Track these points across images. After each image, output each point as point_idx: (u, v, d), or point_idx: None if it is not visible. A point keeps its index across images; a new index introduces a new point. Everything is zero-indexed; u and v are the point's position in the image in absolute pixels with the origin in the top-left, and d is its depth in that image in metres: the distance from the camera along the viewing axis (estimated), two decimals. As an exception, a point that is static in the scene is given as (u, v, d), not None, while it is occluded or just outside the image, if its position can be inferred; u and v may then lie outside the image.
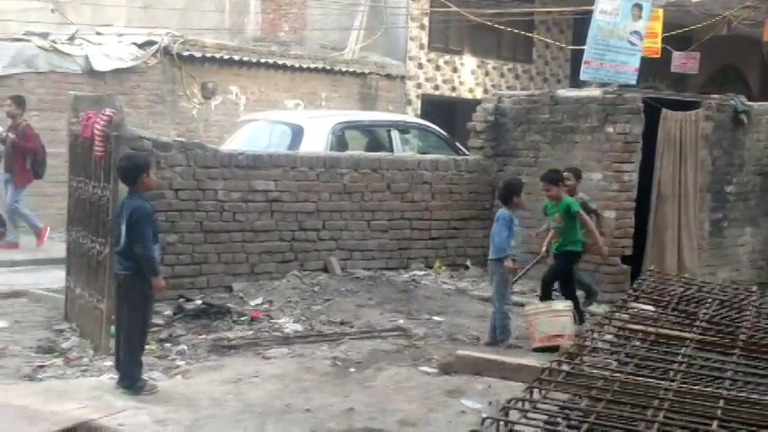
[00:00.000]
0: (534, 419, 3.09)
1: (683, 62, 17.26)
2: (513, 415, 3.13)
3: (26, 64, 13.14)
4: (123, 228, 5.62)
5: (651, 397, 3.29)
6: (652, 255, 9.34)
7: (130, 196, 5.73)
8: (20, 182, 11.50)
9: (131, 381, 5.58)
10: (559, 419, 3.10)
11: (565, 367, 3.63)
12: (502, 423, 2.92)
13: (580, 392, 3.34)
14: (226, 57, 15.01)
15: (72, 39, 14.14)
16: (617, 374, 3.54)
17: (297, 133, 10.07)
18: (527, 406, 3.16)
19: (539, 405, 3.19)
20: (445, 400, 5.60)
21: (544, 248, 8.28)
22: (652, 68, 17.90)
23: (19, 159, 11.45)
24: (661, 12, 15.07)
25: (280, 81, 15.75)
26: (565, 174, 8.26)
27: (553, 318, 6.98)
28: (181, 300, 7.81)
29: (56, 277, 8.82)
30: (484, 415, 3.36)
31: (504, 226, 7.26)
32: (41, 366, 6.51)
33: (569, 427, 3.01)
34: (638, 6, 10.64)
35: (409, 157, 9.85)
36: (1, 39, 13.96)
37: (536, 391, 3.34)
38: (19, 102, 11.64)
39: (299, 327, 7.36)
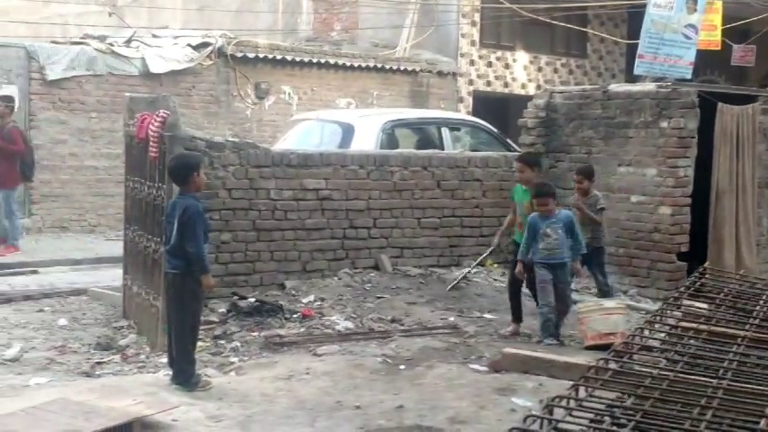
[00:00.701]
0: (580, 417, 3.07)
1: (742, 55, 16.93)
2: (559, 413, 3.12)
3: (85, 66, 13.47)
4: (174, 227, 5.72)
5: (700, 395, 3.25)
6: (712, 251, 9.18)
7: (181, 196, 5.82)
8: (7, 184, 11.33)
9: (185, 377, 5.69)
10: (606, 417, 3.08)
11: (612, 365, 3.60)
12: (546, 421, 2.91)
13: (627, 391, 3.30)
14: (279, 57, 15.17)
15: (129, 41, 14.45)
16: (665, 373, 3.49)
17: (347, 132, 10.14)
18: (572, 404, 3.14)
19: (584, 403, 3.17)
20: (496, 399, 5.58)
21: (496, 239, 8.02)
22: (712, 61, 17.56)
23: (3, 162, 11.27)
24: (720, 4, 14.77)
25: (332, 80, 15.86)
26: (576, 177, 8.02)
27: (605, 316, 6.90)
28: (234, 297, 7.91)
29: (116, 275, 9.03)
30: (533, 412, 3.35)
31: (526, 230, 7.12)
32: (100, 363, 6.69)
33: (615, 425, 2.99)
34: (693, -1, 10.46)
35: (459, 155, 9.82)
36: (61, 42, 14.35)
37: (582, 389, 3.31)
38: (7, 101, 11.52)
39: (350, 324, 7.40)
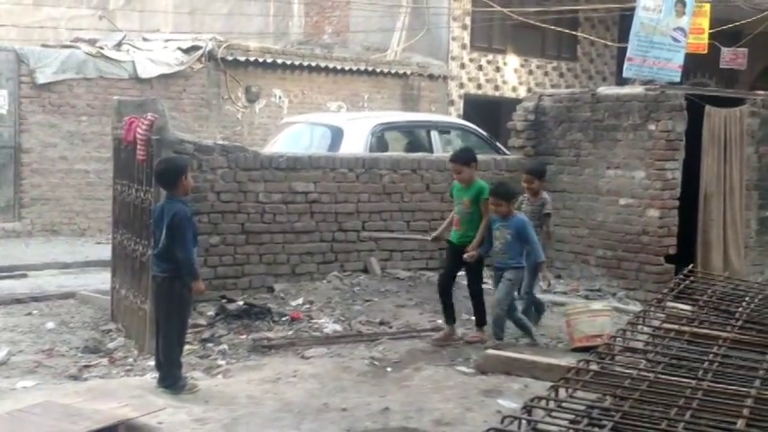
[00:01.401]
0: (559, 418, 3.09)
1: (732, 58, 16.98)
2: (539, 414, 3.13)
3: (75, 70, 13.45)
4: (163, 231, 5.69)
5: (679, 396, 3.26)
6: (699, 253, 9.21)
7: (169, 200, 5.78)
8: None
9: (172, 380, 5.68)
10: (585, 418, 3.09)
11: (593, 367, 3.62)
12: (524, 421, 2.92)
13: (607, 392, 3.32)
14: (269, 60, 15.17)
15: (119, 45, 14.42)
16: (646, 374, 3.51)
17: (337, 135, 10.13)
18: (552, 405, 3.16)
19: (564, 404, 3.19)
20: (482, 400, 5.59)
21: (436, 233, 7.60)
22: (701, 64, 17.63)
23: None
24: (708, 7, 14.82)
25: (323, 83, 15.87)
26: (526, 177, 7.87)
27: (592, 318, 6.92)
28: (223, 300, 7.91)
29: (105, 279, 9.02)
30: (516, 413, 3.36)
31: None
32: (87, 366, 6.68)
33: (593, 425, 3.00)
34: (682, 2, 10.49)
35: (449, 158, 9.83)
36: (51, 45, 14.33)
37: (562, 390, 3.33)
38: None
39: (338, 327, 7.41)
